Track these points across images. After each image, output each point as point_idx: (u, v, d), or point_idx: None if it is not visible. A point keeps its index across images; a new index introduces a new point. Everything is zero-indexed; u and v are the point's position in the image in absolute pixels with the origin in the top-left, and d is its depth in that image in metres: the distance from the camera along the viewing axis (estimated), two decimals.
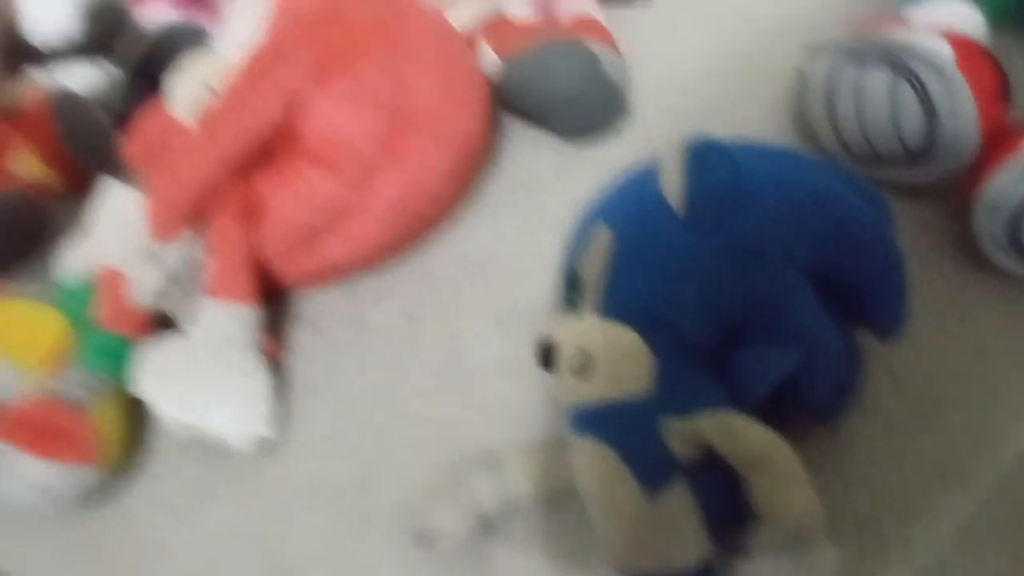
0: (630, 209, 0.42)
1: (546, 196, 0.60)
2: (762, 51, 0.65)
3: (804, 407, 0.40)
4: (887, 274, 0.41)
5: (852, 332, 0.43)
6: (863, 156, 0.52)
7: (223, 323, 0.50)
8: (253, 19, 0.54)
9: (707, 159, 0.39)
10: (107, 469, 0.50)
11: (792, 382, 0.38)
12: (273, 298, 0.56)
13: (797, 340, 0.38)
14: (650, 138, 0.61)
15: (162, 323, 0.54)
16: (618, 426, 0.38)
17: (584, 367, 0.38)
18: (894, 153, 0.50)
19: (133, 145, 0.58)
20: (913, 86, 0.47)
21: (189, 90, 0.53)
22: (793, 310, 0.39)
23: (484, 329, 0.53)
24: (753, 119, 0.60)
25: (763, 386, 0.38)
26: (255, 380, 0.50)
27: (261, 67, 0.50)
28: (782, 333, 0.38)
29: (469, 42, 0.63)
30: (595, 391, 0.38)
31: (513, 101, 0.63)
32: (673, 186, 0.39)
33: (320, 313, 0.58)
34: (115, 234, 0.53)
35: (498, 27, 0.65)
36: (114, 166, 0.76)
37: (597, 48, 0.60)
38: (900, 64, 0.48)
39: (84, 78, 0.82)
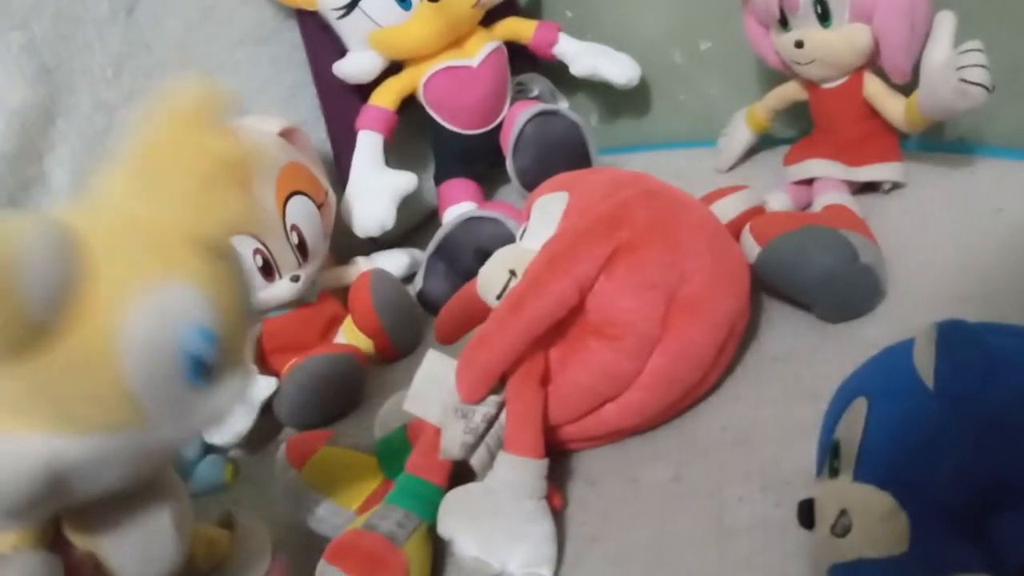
0: (885, 382, 0.44)
1: (802, 369, 0.63)
2: (1015, 242, 0.67)
3: None
4: None
5: None
6: None
7: (516, 474, 0.56)
8: (551, 217, 0.63)
9: (956, 340, 0.41)
10: None
11: None
12: (555, 455, 0.60)
13: None
14: (904, 321, 0.63)
15: (462, 473, 0.59)
16: None
17: (843, 527, 0.41)
18: None
19: (442, 319, 0.68)
20: None
21: (496, 274, 0.62)
22: None
23: (746, 492, 0.55)
24: (1007, 306, 0.61)
25: (1020, 555, 0.39)
26: (543, 526, 0.55)
27: (561, 258, 0.58)
28: None
29: (733, 230, 0.68)
30: (853, 550, 0.40)
31: (772, 281, 0.68)
32: (925, 363, 0.41)
33: (596, 470, 0.62)
34: (430, 394, 0.61)
35: (758, 216, 0.71)
36: (414, 335, 0.87)
37: (851, 235, 0.65)
38: None
39: (397, 262, 0.95)
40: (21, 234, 0.36)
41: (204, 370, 0.42)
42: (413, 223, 1.08)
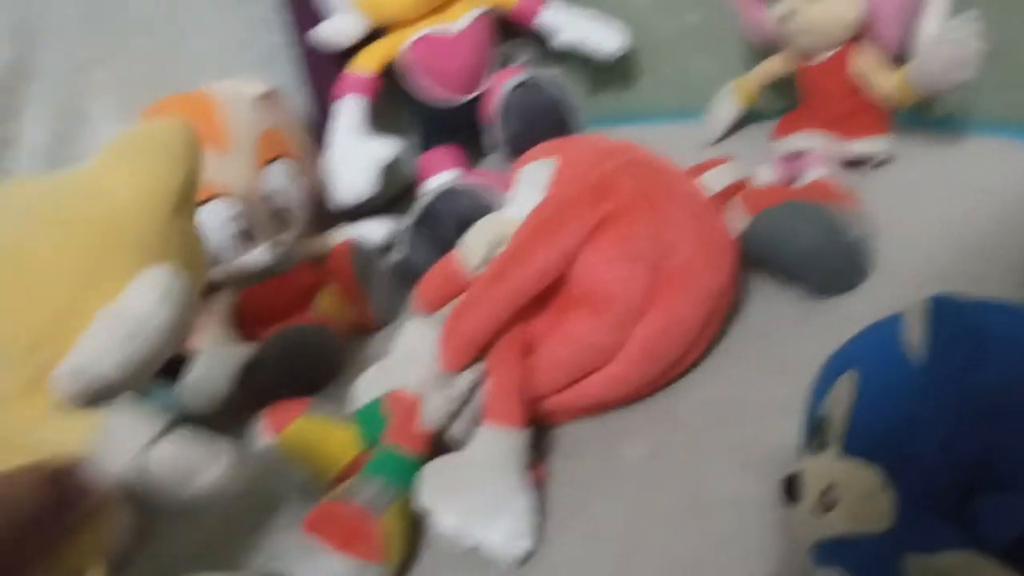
0: (874, 356, 0.44)
1: (786, 345, 0.63)
2: (1000, 220, 0.67)
3: None
4: None
5: None
6: None
7: (497, 445, 0.55)
8: (538, 184, 0.62)
9: (946, 316, 0.41)
10: (390, 570, 0.54)
11: None
12: (534, 429, 0.60)
13: None
14: (889, 298, 0.63)
15: (442, 443, 0.59)
16: (861, 558, 0.39)
17: (829, 502, 0.41)
18: None
19: (423, 288, 0.67)
20: None
21: (480, 243, 0.61)
22: None
23: (725, 468, 0.55)
24: (991, 284, 0.62)
25: (1006, 534, 0.39)
26: (523, 498, 0.54)
27: (546, 227, 0.57)
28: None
29: (718, 204, 0.68)
30: (839, 526, 0.40)
31: (758, 256, 0.68)
32: (914, 338, 0.41)
33: (576, 444, 0.62)
34: (410, 364, 0.60)
35: (745, 190, 0.70)
36: (395, 304, 0.87)
37: (837, 210, 0.64)
38: None
39: (378, 230, 0.94)
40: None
41: None
42: (394, 191, 1.06)
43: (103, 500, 0.45)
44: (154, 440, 0.46)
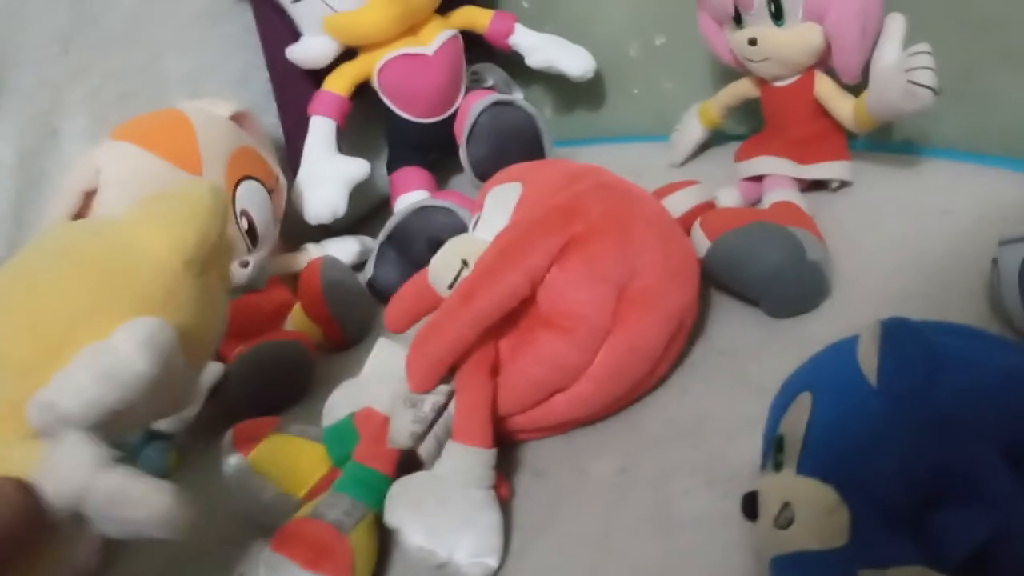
0: (830, 377, 0.45)
1: (749, 364, 0.64)
2: (960, 243, 0.68)
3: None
4: None
5: None
6: None
7: (464, 463, 0.56)
8: (505, 207, 0.63)
9: (900, 338, 0.42)
10: None
11: (988, 550, 0.39)
12: (503, 445, 0.61)
13: (991, 508, 0.39)
14: (850, 318, 0.64)
15: (410, 461, 0.59)
16: (816, 573, 0.41)
17: (786, 519, 0.41)
18: None
19: (393, 307, 0.67)
20: None
21: (448, 263, 0.62)
22: (987, 480, 0.40)
23: (692, 484, 0.56)
24: (950, 305, 0.62)
25: (959, 550, 0.39)
26: (490, 516, 0.55)
27: (514, 249, 0.58)
28: (977, 501, 0.40)
29: (684, 225, 0.69)
30: (795, 542, 0.41)
31: (721, 277, 0.69)
32: (869, 360, 0.42)
33: (544, 461, 0.62)
34: (380, 382, 0.61)
35: (709, 212, 0.71)
36: (364, 323, 0.87)
37: (798, 232, 0.65)
38: None
39: (348, 249, 0.95)
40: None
41: None
42: (365, 210, 1.07)
43: (48, 525, 0.45)
44: (96, 473, 0.46)
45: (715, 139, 0.97)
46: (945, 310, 0.62)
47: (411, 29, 0.95)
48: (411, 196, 0.97)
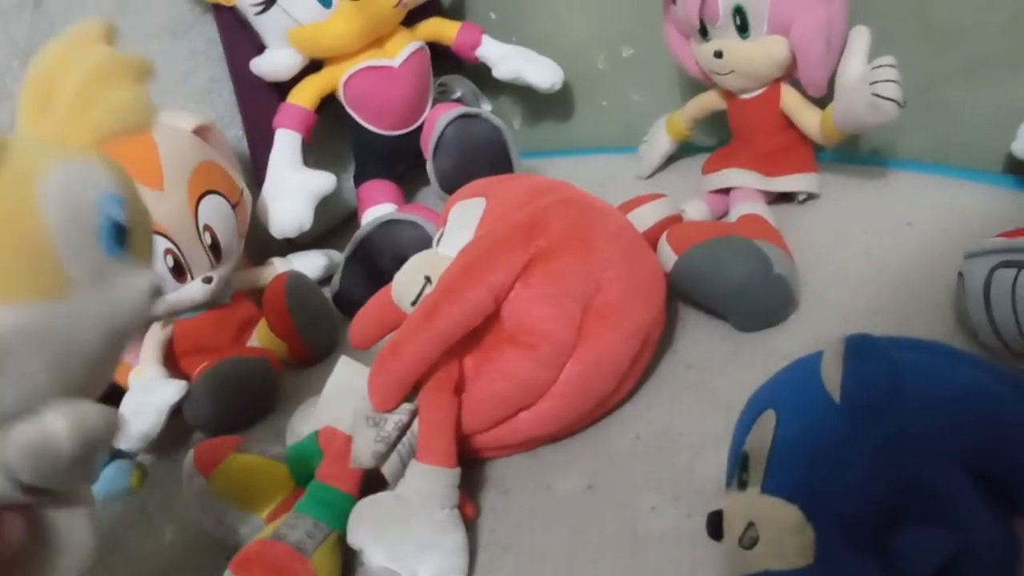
0: (794, 395, 0.45)
1: (716, 378, 0.64)
2: (925, 255, 0.68)
3: None
4: None
5: (1010, 520, 0.43)
6: (1021, 352, 0.53)
7: (428, 482, 0.55)
8: (468, 223, 0.62)
9: (863, 355, 0.42)
10: None
11: (951, 568, 0.39)
12: (469, 462, 0.61)
13: (955, 527, 0.39)
14: (817, 331, 0.64)
15: (373, 481, 0.58)
16: None
17: (750, 539, 0.41)
18: None
19: (357, 323, 0.66)
20: None
21: (411, 280, 0.61)
22: (950, 498, 0.40)
23: (659, 501, 0.55)
24: (916, 318, 0.62)
25: (922, 569, 0.39)
26: (453, 535, 0.54)
27: (477, 265, 0.57)
28: (941, 519, 0.40)
29: (650, 238, 0.69)
30: (760, 562, 0.41)
31: (688, 291, 0.69)
32: (832, 377, 0.42)
33: (510, 478, 0.62)
34: (342, 401, 0.60)
35: (675, 225, 0.71)
36: (329, 338, 0.86)
37: (765, 246, 0.65)
38: None
39: (314, 263, 0.94)
40: None
41: (119, 236, 0.42)
42: (332, 224, 1.07)
43: None
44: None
45: (683, 151, 0.97)
46: (911, 323, 0.62)
47: (377, 41, 0.94)
48: (378, 209, 0.97)
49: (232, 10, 0.93)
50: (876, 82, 0.68)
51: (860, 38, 0.72)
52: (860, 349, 0.43)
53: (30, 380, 0.39)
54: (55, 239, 0.39)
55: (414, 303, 0.61)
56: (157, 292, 0.45)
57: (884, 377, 0.42)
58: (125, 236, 0.42)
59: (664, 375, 0.66)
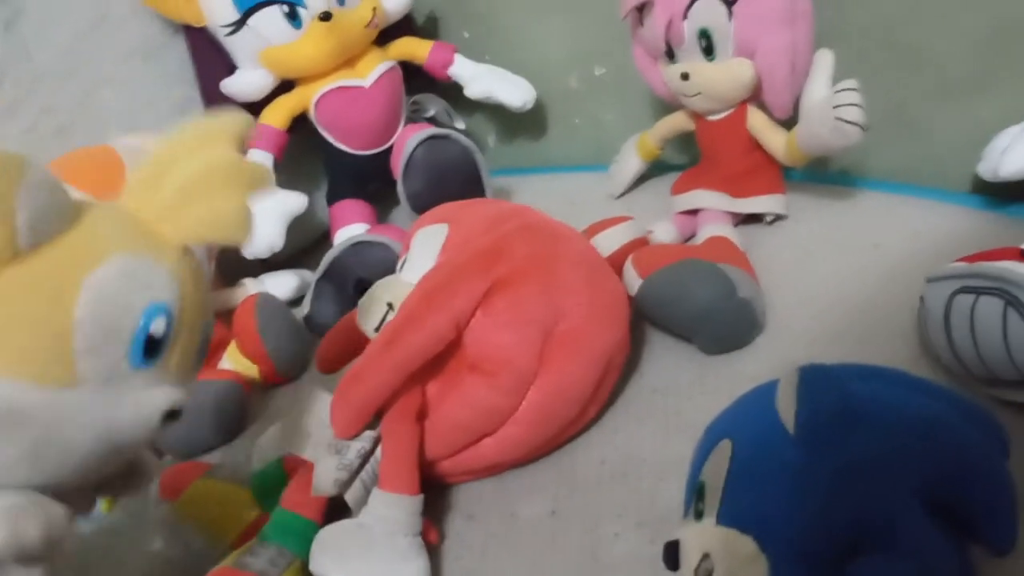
0: (749, 425, 0.45)
1: (682, 402, 0.64)
2: (891, 278, 0.69)
3: None
4: (996, 498, 0.42)
5: (966, 547, 0.43)
6: (982, 377, 0.54)
7: (390, 510, 0.55)
8: (431, 249, 0.62)
9: (816, 386, 0.42)
10: None
11: None
12: (433, 488, 0.60)
13: (910, 555, 0.40)
14: (782, 354, 0.65)
15: (337, 508, 0.59)
16: None
17: (705, 570, 0.41)
18: (1009, 375, 0.52)
19: (323, 347, 0.66)
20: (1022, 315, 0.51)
21: (374, 306, 0.61)
22: (905, 527, 0.40)
23: (622, 527, 0.56)
24: (881, 342, 0.63)
25: None
26: (416, 563, 0.54)
27: (438, 293, 0.57)
28: (896, 548, 0.40)
29: (615, 262, 0.69)
30: None
31: (653, 315, 0.69)
32: (786, 409, 0.42)
33: (474, 504, 0.62)
34: (305, 429, 0.60)
35: (640, 249, 0.71)
36: (300, 360, 0.86)
37: (730, 269, 0.66)
38: (1010, 293, 0.50)
39: (285, 284, 0.94)
40: (22, 162, 0.37)
41: (150, 350, 0.41)
42: (305, 243, 1.06)
43: None
44: None
45: (655, 169, 0.97)
46: (876, 347, 0.62)
47: (348, 61, 0.94)
48: (351, 229, 0.97)
49: (203, 31, 0.93)
50: (839, 106, 0.68)
51: (824, 61, 0.73)
52: (813, 380, 0.43)
53: (11, 454, 0.39)
54: (77, 332, 0.39)
55: (377, 329, 0.61)
56: (174, 415, 0.44)
57: (837, 410, 0.42)
58: (158, 350, 0.42)
59: (630, 399, 0.66)
